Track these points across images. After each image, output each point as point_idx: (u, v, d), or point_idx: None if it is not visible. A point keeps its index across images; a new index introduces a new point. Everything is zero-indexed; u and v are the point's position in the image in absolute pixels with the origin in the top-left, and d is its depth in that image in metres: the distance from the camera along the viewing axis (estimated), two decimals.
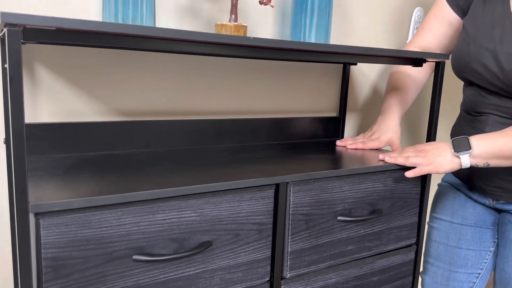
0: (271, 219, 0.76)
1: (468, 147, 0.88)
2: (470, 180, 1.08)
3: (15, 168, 0.52)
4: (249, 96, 1.05)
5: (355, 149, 1.06)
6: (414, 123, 1.41)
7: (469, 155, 0.88)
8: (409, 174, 0.89)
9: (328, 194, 0.81)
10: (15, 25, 0.50)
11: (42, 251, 0.56)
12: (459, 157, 0.88)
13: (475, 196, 1.10)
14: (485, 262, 1.13)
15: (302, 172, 0.77)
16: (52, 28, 0.55)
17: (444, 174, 1.24)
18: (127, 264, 0.63)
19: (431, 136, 0.99)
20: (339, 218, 0.82)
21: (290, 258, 0.79)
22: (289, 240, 0.78)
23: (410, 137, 1.42)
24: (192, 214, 0.68)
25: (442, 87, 0.99)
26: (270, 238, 0.77)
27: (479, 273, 1.14)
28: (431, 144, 0.93)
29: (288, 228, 0.77)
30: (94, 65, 0.85)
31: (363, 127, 1.28)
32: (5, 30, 0.50)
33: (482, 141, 0.89)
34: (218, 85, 1.00)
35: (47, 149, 0.82)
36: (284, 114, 1.12)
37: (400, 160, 0.91)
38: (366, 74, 1.24)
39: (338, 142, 1.10)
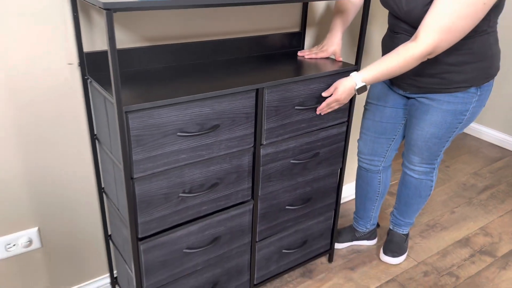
0: (254, 110, 1.24)
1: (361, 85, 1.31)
2: (390, 79, 1.56)
3: (114, 82, 0.96)
4: (235, 21, 1.44)
5: (310, 58, 1.51)
6: (353, 37, 1.84)
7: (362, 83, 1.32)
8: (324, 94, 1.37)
9: (289, 92, 1.28)
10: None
11: (131, 131, 1.03)
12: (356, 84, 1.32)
13: (394, 88, 1.60)
14: (398, 131, 1.67)
15: (273, 80, 1.23)
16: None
17: None
18: (174, 138, 1.11)
19: (361, 45, 1.43)
20: (296, 107, 1.31)
21: (266, 133, 1.29)
22: (265, 122, 1.27)
23: (349, 47, 1.85)
24: (207, 109, 1.15)
25: (369, 11, 1.41)
26: (253, 121, 1.26)
27: (394, 138, 1.69)
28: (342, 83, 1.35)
29: (264, 115, 1.26)
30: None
31: (319, 39, 1.70)
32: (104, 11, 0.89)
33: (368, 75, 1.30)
34: (213, 15, 1.39)
35: (106, 68, 1.24)
36: (260, 33, 1.52)
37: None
38: None
39: (299, 53, 1.54)
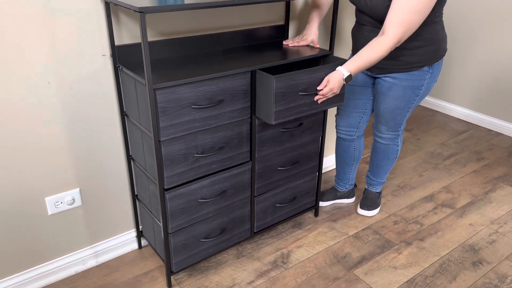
0: (249, 87, 1.58)
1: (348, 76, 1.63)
2: None
3: (146, 66, 1.29)
4: (230, 17, 1.77)
5: (293, 46, 1.85)
6: (327, 27, 2.19)
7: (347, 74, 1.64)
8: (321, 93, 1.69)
9: (294, 81, 1.62)
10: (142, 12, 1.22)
11: (158, 104, 1.37)
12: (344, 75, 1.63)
13: (364, 71, 1.94)
14: (368, 105, 2.03)
15: (264, 63, 1.57)
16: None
17: (350, 55, 2.06)
18: (189, 109, 1.45)
19: (333, 35, 1.77)
20: (300, 93, 1.66)
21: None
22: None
23: (325, 35, 2.20)
24: (214, 87, 1.48)
25: (338, 5, 1.75)
26: (249, 97, 1.60)
27: (365, 111, 2.04)
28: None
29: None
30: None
31: (300, 29, 2.04)
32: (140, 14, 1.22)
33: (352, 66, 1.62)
34: (212, 13, 1.72)
35: (131, 56, 1.56)
36: (251, 26, 1.86)
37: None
38: None
39: (284, 42, 1.88)
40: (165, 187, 1.51)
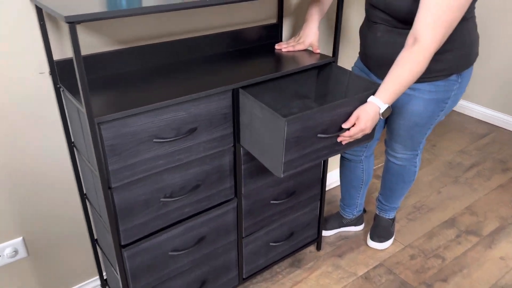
0: (231, 109, 1.23)
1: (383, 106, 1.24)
2: (370, 69, 1.55)
3: (83, 95, 0.94)
4: (208, 16, 1.42)
5: (288, 51, 1.49)
6: (330, 26, 1.82)
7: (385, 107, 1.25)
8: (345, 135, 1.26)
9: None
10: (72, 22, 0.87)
11: (105, 141, 1.02)
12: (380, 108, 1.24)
13: (373, 77, 1.59)
14: (380, 119, 1.67)
15: (249, 79, 1.22)
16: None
17: (356, 60, 1.70)
18: (150, 144, 1.10)
19: (337, 37, 1.41)
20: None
21: None
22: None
23: (326, 36, 1.83)
24: (183, 113, 1.13)
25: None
26: (231, 122, 1.25)
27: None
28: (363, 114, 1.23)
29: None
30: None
31: (297, 29, 1.68)
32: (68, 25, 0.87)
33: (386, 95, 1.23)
34: (185, 12, 1.36)
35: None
36: (235, 27, 1.50)
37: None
38: None
39: (276, 46, 1.52)
40: (122, 243, 1.18)
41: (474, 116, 3.07)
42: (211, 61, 1.38)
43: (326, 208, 2.08)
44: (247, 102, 1.19)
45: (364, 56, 1.55)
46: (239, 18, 1.50)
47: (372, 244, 1.86)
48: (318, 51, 1.48)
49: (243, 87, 1.23)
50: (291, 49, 1.50)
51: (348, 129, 1.25)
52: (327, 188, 2.24)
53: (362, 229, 1.97)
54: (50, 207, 1.35)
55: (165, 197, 1.20)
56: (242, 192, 1.39)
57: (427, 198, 2.20)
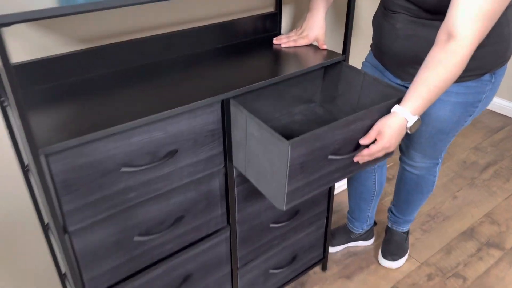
0: (220, 124, 1.00)
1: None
2: (386, 66, 1.31)
3: (20, 116, 0.70)
4: (193, 6, 1.17)
5: (288, 47, 1.24)
6: (338, 16, 1.56)
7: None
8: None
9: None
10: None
11: (55, 177, 0.79)
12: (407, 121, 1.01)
13: (389, 76, 1.35)
14: None
15: (241, 86, 0.98)
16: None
17: (368, 54, 1.46)
18: (118, 174, 0.87)
19: (348, 31, 1.17)
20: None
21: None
22: None
23: (333, 28, 1.58)
24: (159, 133, 0.90)
25: None
26: (221, 139, 1.01)
27: None
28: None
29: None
30: None
31: (298, 19, 1.43)
32: None
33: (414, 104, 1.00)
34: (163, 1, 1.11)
35: (27, 85, 0.97)
36: (226, 18, 1.25)
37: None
38: None
39: (275, 41, 1.27)
40: None
41: (488, 108, 2.83)
42: (195, 63, 1.13)
43: (332, 217, 1.86)
44: (241, 116, 0.96)
45: (379, 51, 1.30)
46: (229, 7, 1.24)
47: (384, 263, 1.64)
48: (324, 46, 1.23)
49: (235, 97, 0.99)
50: (292, 44, 1.25)
51: (367, 146, 1.02)
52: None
53: (372, 244, 1.75)
54: (9, 240, 1.12)
55: (140, 235, 0.97)
56: (236, 219, 1.17)
57: (442, 204, 1.99)
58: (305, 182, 0.95)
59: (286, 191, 0.92)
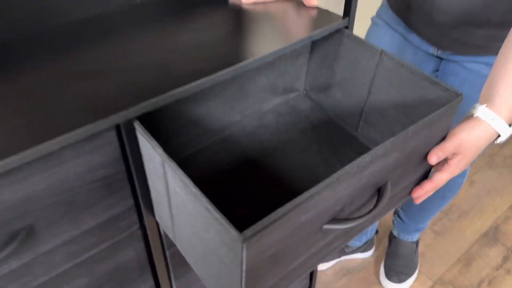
0: (123, 165, 0.54)
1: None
2: (413, 24, 0.86)
3: None
4: None
5: (255, 2, 0.75)
6: None
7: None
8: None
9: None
10: None
11: None
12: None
13: (416, 41, 0.90)
14: None
15: (159, 93, 0.51)
16: None
17: (379, 7, 0.98)
18: None
19: None
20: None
21: None
22: None
23: None
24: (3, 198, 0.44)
25: None
26: (128, 186, 0.56)
27: None
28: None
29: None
30: None
31: None
32: None
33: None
34: None
35: None
36: None
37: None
38: None
39: None
40: None
41: None
42: (82, 40, 0.63)
43: None
44: (154, 155, 0.50)
45: (403, 2, 0.85)
46: None
47: (389, 285, 1.27)
48: (314, 3, 0.75)
49: (146, 115, 0.52)
50: None
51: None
52: None
53: (372, 255, 1.37)
54: None
55: None
56: (174, 287, 0.75)
57: (458, 194, 1.60)
58: (283, 275, 0.52)
59: None
